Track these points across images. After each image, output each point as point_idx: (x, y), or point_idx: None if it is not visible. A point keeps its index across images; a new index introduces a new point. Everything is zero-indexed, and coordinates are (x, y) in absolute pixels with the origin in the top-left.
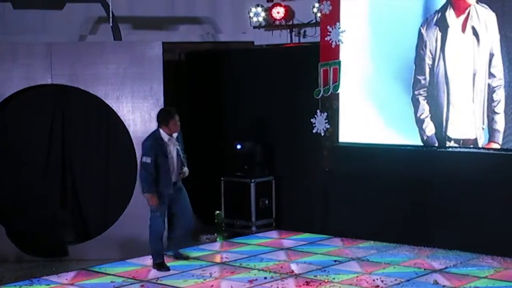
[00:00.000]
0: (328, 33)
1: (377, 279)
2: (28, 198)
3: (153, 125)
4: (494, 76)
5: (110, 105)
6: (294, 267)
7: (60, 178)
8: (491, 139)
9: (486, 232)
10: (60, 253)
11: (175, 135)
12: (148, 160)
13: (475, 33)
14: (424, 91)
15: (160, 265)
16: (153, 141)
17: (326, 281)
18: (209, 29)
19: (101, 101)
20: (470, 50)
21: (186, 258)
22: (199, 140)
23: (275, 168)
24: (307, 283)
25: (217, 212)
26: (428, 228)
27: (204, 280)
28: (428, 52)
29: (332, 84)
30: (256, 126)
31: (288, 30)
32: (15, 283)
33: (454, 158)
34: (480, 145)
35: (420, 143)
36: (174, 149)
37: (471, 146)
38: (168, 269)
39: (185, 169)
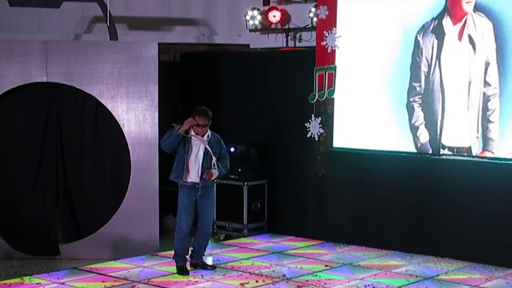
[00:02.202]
0: (324, 38)
1: (368, 285)
2: (20, 196)
3: (147, 126)
4: (489, 85)
5: (105, 105)
6: (285, 271)
7: (53, 176)
8: (485, 147)
9: (478, 240)
10: (51, 252)
11: (207, 136)
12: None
13: (471, 41)
14: (419, 98)
15: (180, 269)
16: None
17: (317, 285)
18: (205, 31)
19: (96, 100)
20: (466, 58)
21: (212, 267)
22: None
23: (268, 171)
24: (299, 287)
25: None
26: (420, 235)
27: (195, 282)
28: (424, 59)
29: (327, 89)
30: (250, 129)
31: (284, 34)
32: (6, 281)
33: (448, 165)
34: (474, 154)
35: (414, 150)
36: (201, 148)
37: (465, 154)
38: (188, 273)
39: (213, 170)
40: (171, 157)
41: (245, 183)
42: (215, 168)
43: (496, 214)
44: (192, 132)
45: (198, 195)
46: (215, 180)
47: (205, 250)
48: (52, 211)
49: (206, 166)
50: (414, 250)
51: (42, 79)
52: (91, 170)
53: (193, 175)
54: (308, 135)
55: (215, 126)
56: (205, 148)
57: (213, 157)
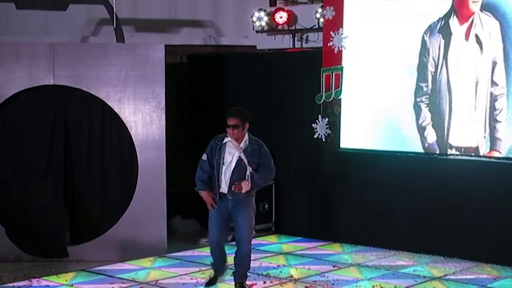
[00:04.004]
0: (331, 39)
1: (376, 286)
2: (28, 198)
3: (155, 128)
4: (496, 85)
5: (112, 107)
6: (293, 271)
7: (61, 178)
8: (492, 147)
9: (486, 240)
10: (60, 254)
11: (244, 144)
12: (204, 157)
13: (478, 41)
14: (426, 98)
15: (209, 281)
16: (214, 139)
17: (325, 286)
18: (212, 33)
19: (103, 102)
20: (473, 58)
21: None
22: (199, 143)
23: (275, 172)
24: None
25: None
26: (428, 235)
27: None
28: (430, 59)
29: (334, 90)
30: (257, 130)
31: (291, 35)
32: (14, 283)
33: (455, 165)
34: (481, 153)
35: (421, 150)
36: (234, 156)
37: (473, 154)
38: (211, 284)
39: (243, 183)
40: (177, 160)
41: None
42: (248, 181)
43: (504, 213)
44: (228, 138)
45: (230, 207)
46: (252, 193)
47: (245, 269)
48: (60, 213)
49: (237, 177)
50: (421, 250)
51: (49, 82)
52: (98, 172)
53: (223, 185)
54: (315, 136)
55: (222, 126)
56: (239, 157)
57: (248, 167)
